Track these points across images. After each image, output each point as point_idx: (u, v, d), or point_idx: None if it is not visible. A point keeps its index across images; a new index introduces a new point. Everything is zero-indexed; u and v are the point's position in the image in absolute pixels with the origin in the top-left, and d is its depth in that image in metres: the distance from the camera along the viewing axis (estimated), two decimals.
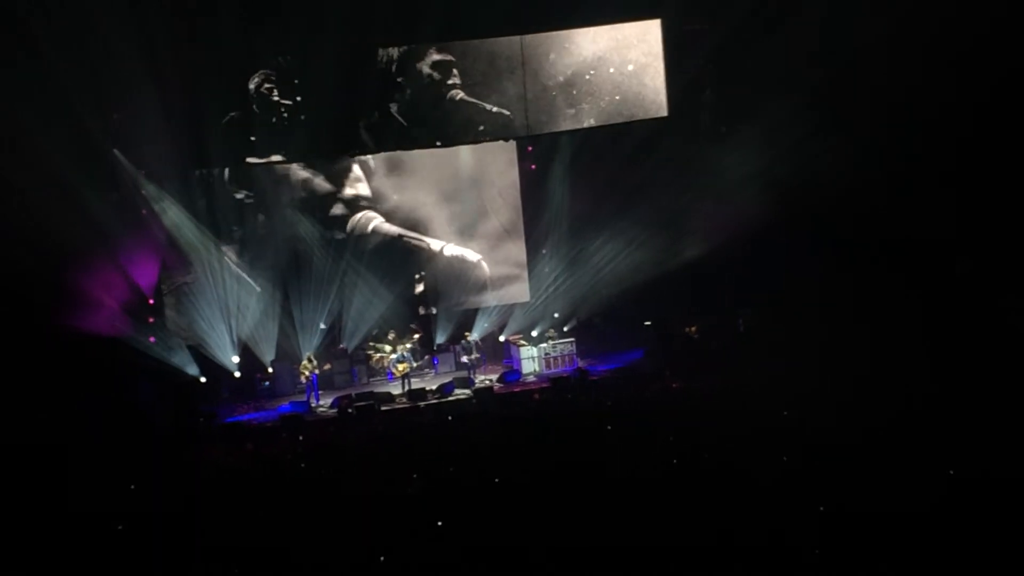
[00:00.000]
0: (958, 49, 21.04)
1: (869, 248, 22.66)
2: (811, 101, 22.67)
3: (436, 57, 24.10)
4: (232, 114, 23.03)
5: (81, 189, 21.82)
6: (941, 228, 21.65)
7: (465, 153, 25.96)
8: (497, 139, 25.25)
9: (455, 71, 24.15)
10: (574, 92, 24.57)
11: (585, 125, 24.79)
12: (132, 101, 22.47)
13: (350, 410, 22.41)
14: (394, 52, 23.93)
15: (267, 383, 25.13)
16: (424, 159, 25.86)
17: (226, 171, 24.54)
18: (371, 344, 25.76)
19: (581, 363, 25.23)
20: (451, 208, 26.33)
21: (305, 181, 25.33)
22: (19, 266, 20.92)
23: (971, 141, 21.60)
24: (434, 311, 25.93)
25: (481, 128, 24.54)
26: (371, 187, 25.78)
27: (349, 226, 25.65)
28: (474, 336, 25.41)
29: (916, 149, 21.88)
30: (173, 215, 24.03)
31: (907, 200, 22.02)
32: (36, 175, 20.98)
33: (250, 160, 23.76)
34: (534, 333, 26.20)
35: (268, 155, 23.57)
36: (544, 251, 26.86)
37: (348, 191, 25.64)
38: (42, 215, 21.17)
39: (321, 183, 25.46)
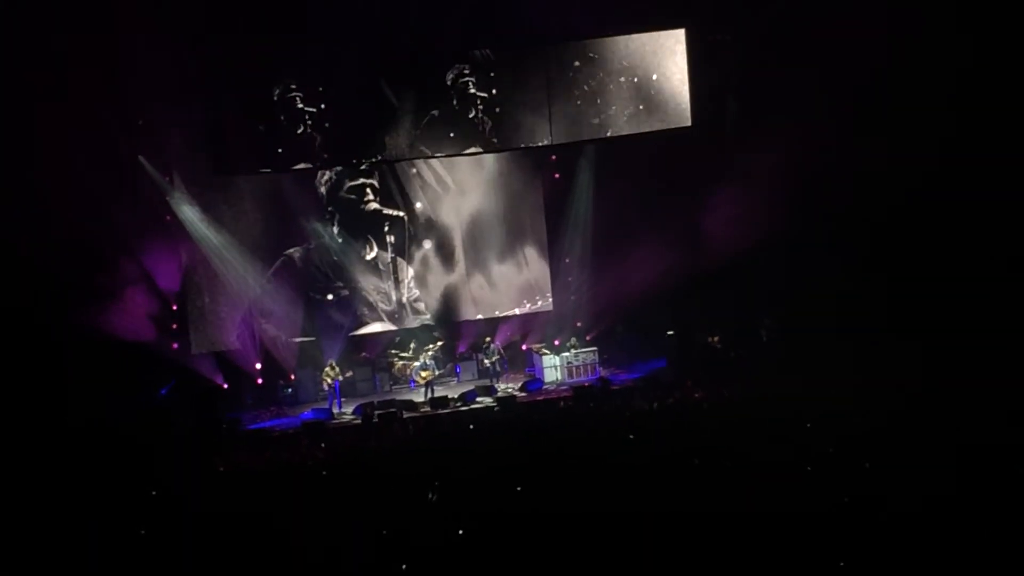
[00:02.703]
0: (989, 52, 20.96)
1: (896, 256, 22.57)
2: (835, 109, 22.58)
3: (460, 67, 24.10)
4: (261, 127, 23.08)
5: (105, 195, 21.97)
6: (972, 235, 21.53)
7: (489, 161, 26.01)
8: (522, 148, 25.26)
9: (480, 81, 24.14)
10: (598, 101, 24.54)
11: (609, 134, 24.75)
12: (157, 108, 22.62)
13: (373, 418, 22.43)
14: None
15: (290, 390, 25.19)
16: (448, 166, 25.95)
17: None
18: (394, 352, 25.80)
19: (603, 372, 25.20)
20: (474, 216, 26.40)
21: (330, 190, 25.43)
22: (43, 271, 21.09)
23: (1007, 147, 21.46)
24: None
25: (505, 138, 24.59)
26: (395, 195, 25.85)
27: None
28: (496, 343, 25.40)
29: (945, 155, 21.73)
30: (196, 222, 24.17)
31: (936, 206, 21.92)
32: (61, 181, 21.12)
33: (269, 170, 23.80)
34: (556, 342, 26.17)
35: (293, 164, 23.61)
36: (567, 260, 26.87)
37: (372, 198, 25.69)
38: (66, 221, 21.33)
39: (344, 194, 25.54)
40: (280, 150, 23.13)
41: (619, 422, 19.10)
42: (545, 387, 24.74)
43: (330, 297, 25.71)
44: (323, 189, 25.42)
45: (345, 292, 25.78)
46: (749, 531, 12.37)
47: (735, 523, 12.62)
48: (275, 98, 23.16)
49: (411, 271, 26.24)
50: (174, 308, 24.28)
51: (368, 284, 25.92)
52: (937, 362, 19.08)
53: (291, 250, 25.43)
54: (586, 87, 24.39)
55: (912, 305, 21.88)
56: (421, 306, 26.36)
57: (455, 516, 13.82)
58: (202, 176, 24.11)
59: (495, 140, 24.50)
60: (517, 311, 26.87)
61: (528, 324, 27.01)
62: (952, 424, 15.68)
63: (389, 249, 25.95)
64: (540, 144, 24.99)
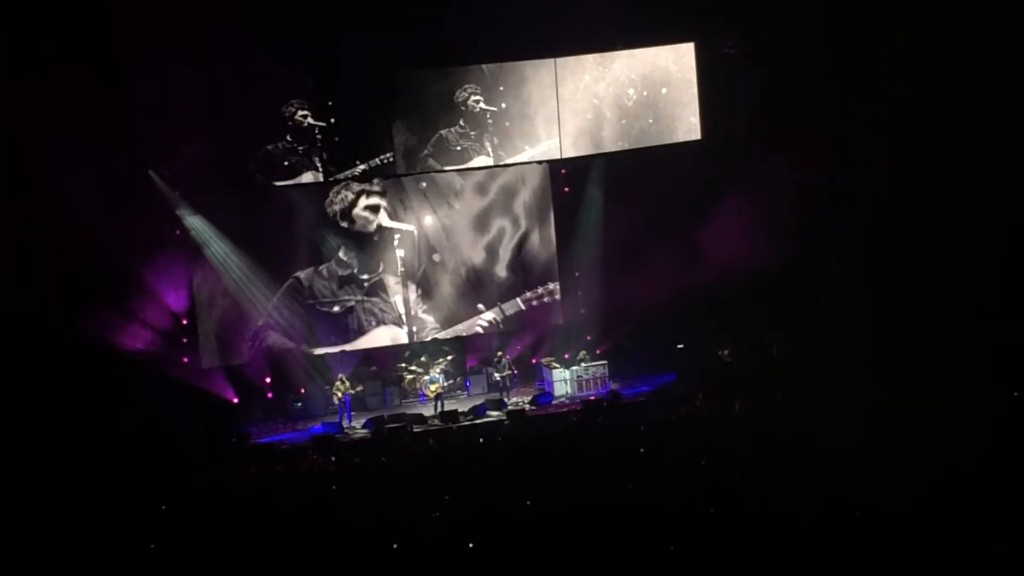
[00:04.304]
0: (1005, 65, 20.94)
1: (908, 271, 22.52)
2: (847, 122, 22.56)
3: (469, 84, 24.08)
4: (267, 147, 23.11)
5: (116, 209, 22.03)
6: (985, 250, 21.50)
7: (498, 175, 26.03)
8: (532, 162, 25.26)
9: (489, 96, 24.13)
10: (607, 115, 24.55)
11: (619, 148, 24.74)
12: (168, 123, 22.67)
13: (383, 432, 22.40)
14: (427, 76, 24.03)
15: (299, 404, 25.16)
16: (458, 180, 25.99)
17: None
18: (403, 365, 25.78)
19: (613, 385, 25.13)
20: (484, 230, 26.42)
21: (339, 205, 25.46)
22: (53, 285, 21.14)
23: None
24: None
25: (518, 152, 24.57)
26: (404, 208, 25.88)
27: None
28: (506, 356, 25.38)
29: (959, 170, 21.70)
30: (206, 236, 24.26)
31: (948, 221, 21.88)
32: (72, 195, 21.18)
33: (281, 183, 23.75)
34: (566, 355, 26.13)
35: (303, 178, 23.62)
36: (577, 273, 26.86)
37: (381, 211, 25.74)
38: (77, 235, 21.38)
39: (359, 212, 25.59)
40: (289, 164, 23.16)
41: (630, 436, 19.07)
42: (555, 401, 24.67)
43: (336, 309, 25.71)
44: (333, 204, 25.41)
45: (351, 303, 25.78)
46: (757, 543, 12.35)
47: (743, 534, 12.60)
48: (285, 113, 23.19)
49: (420, 285, 26.22)
50: (184, 322, 24.31)
51: (377, 298, 25.92)
52: (948, 376, 19.03)
53: (299, 272, 25.45)
54: (596, 101, 24.40)
55: (923, 320, 21.82)
56: (430, 320, 26.33)
57: (465, 529, 13.80)
58: (212, 190, 24.14)
59: (504, 154, 24.49)
60: (533, 303, 26.79)
61: (538, 337, 26.96)
62: (963, 436, 15.63)
63: (399, 263, 25.95)
64: (550, 158, 25.01)
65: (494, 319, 26.60)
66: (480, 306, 26.58)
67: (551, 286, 26.78)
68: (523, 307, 26.72)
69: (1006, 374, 18.47)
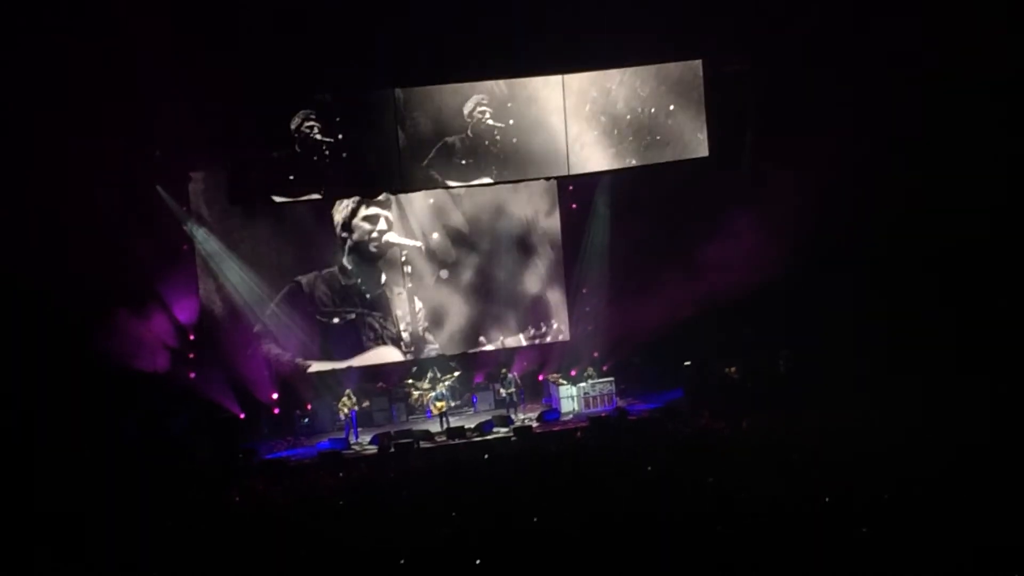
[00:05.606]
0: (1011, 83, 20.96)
1: (915, 287, 22.48)
2: (854, 139, 22.56)
3: (477, 98, 24.07)
4: (274, 154, 23.11)
5: (123, 224, 22.09)
6: (994, 266, 21.48)
7: (506, 192, 26.05)
8: (539, 178, 25.29)
9: (497, 112, 24.14)
10: (615, 131, 24.52)
11: (626, 165, 24.72)
12: (175, 138, 22.73)
13: (389, 448, 22.40)
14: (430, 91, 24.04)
15: (306, 420, 25.14)
16: (465, 197, 26.03)
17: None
18: (410, 382, 25.78)
19: (620, 402, 25.11)
20: (490, 246, 26.45)
21: (346, 219, 25.52)
22: (60, 300, 21.16)
23: None
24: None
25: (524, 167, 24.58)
26: (411, 225, 25.93)
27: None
28: (514, 373, 25.37)
29: (966, 183, 21.68)
30: (214, 250, 24.33)
31: (956, 236, 21.86)
32: (80, 210, 21.22)
33: (282, 199, 23.70)
34: (573, 372, 26.12)
35: (310, 193, 23.63)
36: (584, 290, 26.88)
37: (386, 229, 25.81)
38: (84, 250, 21.41)
39: (358, 222, 25.65)
40: (296, 179, 23.15)
41: (636, 453, 19.04)
42: (562, 417, 24.63)
43: (336, 321, 25.77)
44: (339, 218, 25.49)
45: (351, 316, 25.83)
46: (765, 562, 12.32)
47: (752, 553, 12.57)
48: (292, 128, 23.19)
49: (424, 301, 26.27)
50: (191, 337, 24.33)
51: (379, 312, 25.98)
52: (955, 391, 19.00)
53: (300, 277, 25.51)
54: (603, 117, 24.39)
55: (931, 336, 21.78)
56: (432, 336, 26.36)
57: (472, 545, 13.79)
58: (220, 205, 24.24)
59: (512, 170, 24.46)
60: (536, 341, 26.86)
61: (545, 354, 26.97)
62: (972, 453, 15.60)
63: (404, 279, 26.00)
64: (557, 174, 25.00)
65: (494, 351, 26.76)
66: (481, 339, 26.67)
67: (556, 325, 26.91)
68: (525, 343, 26.83)
69: (1015, 387, 18.44)
